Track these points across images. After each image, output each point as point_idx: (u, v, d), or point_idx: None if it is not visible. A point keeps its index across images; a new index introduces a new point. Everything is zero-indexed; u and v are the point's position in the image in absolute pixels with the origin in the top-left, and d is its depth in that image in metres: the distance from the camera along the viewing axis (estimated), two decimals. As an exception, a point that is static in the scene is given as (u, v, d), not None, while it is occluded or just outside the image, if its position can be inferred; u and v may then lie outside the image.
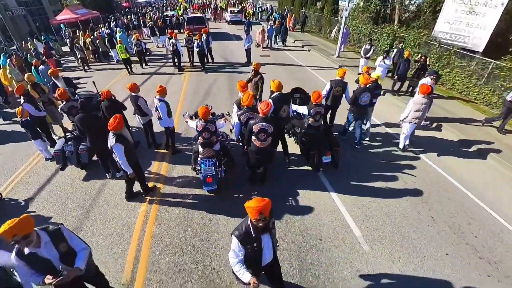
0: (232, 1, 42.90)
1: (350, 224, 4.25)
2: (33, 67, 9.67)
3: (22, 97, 5.90)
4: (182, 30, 20.73)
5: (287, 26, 18.17)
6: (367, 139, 6.41)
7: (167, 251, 3.87)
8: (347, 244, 3.94)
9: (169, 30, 19.53)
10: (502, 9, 8.50)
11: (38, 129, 5.84)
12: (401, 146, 6.02)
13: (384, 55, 8.78)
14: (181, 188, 5.08)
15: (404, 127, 5.77)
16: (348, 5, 12.35)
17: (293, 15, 22.74)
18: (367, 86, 5.58)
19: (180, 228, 4.23)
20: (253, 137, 4.25)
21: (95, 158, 5.65)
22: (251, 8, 28.71)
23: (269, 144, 4.33)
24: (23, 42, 14.30)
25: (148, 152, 6.11)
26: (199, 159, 4.60)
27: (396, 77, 8.75)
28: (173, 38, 11.39)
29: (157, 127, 6.15)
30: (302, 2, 23.20)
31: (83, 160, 5.43)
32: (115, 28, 17.78)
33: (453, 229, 4.19)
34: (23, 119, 5.41)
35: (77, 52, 12.51)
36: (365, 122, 6.26)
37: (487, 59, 8.44)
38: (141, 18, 24.68)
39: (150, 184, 5.06)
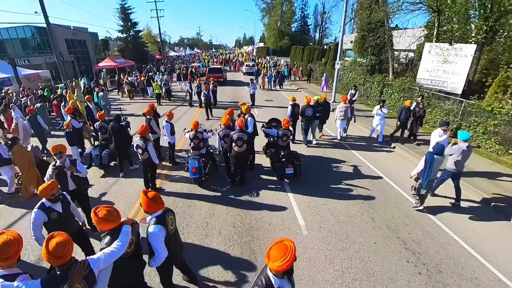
0: (252, 57, 49.03)
1: (298, 216, 5.48)
2: (95, 93, 13.86)
3: (69, 115, 8.14)
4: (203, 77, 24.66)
5: (294, 76, 24.92)
6: (314, 142, 9.37)
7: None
8: (290, 228, 5.15)
9: (189, 77, 23.30)
10: (471, 59, 10.24)
11: (76, 139, 7.89)
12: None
13: (381, 104, 9.23)
14: (172, 184, 6.67)
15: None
16: (338, 60, 14.89)
17: (300, 68, 26.11)
18: (309, 103, 8.79)
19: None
20: (233, 144, 5.96)
21: (112, 164, 7.59)
22: (265, 63, 32.94)
23: (244, 150, 6.02)
24: (68, 81, 17.88)
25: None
26: (188, 156, 6.52)
27: (398, 123, 9.24)
28: (188, 81, 14.63)
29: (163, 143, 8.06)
30: (309, 58, 26.75)
31: (103, 162, 7.28)
32: (157, 73, 24.30)
33: (389, 226, 5.22)
34: (67, 130, 7.49)
35: (125, 86, 18.37)
36: (311, 131, 9.25)
37: (460, 98, 9.91)
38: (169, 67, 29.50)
39: (158, 183, 6.71)
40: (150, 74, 22.61)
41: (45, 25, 14.92)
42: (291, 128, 7.09)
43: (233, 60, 43.68)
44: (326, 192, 6.40)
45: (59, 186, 3.66)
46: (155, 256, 2.93)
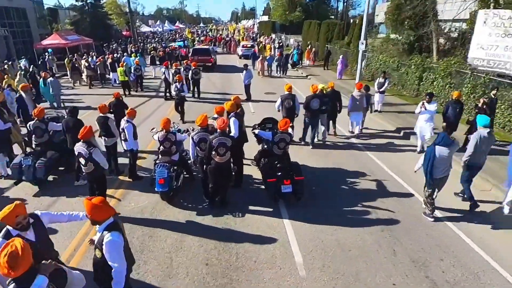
0: (251, 35, 49.70)
1: (294, 251, 5.53)
2: (41, 79, 14.79)
3: None
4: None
5: (307, 60, 25.64)
6: (320, 139, 10.20)
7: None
8: (282, 267, 5.19)
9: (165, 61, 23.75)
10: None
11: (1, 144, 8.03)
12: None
13: (427, 99, 9.02)
14: (130, 205, 6.80)
15: None
16: (364, 39, 15.05)
17: (313, 49, 26.42)
18: (316, 93, 9.20)
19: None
20: (213, 153, 6.06)
21: (50, 178, 7.76)
22: (267, 43, 33.31)
23: (228, 159, 6.15)
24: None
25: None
26: (155, 164, 6.72)
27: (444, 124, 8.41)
28: (165, 66, 15.02)
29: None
30: (327, 36, 27.05)
31: (38, 175, 7.37)
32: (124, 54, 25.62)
33: (415, 262, 5.27)
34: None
35: (85, 70, 19.43)
36: (319, 125, 9.92)
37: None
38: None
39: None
40: (116, 55, 23.61)
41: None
42: (291, 131, 7.18)
43: (227, 39, 44.28)
44: (334, 216, 6.48)
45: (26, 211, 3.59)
46: (114, 273, 3.21)
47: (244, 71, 15.35)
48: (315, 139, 10.10)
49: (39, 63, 22.51)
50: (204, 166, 6.44)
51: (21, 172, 7.39)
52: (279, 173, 6.66)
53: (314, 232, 6.04)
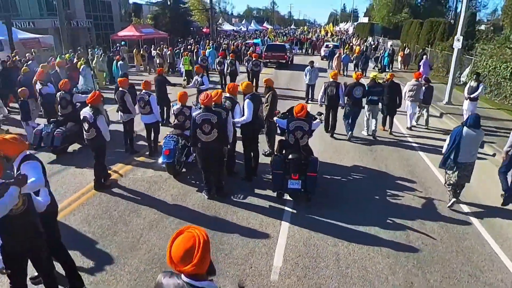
0: (340, 35, 49.45)
1: (276, 253, 5.32)
2: (115, 61, 18.47)
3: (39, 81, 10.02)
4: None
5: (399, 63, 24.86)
6: (364, 134, 10.53)
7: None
8: (254, 266, 5.04)
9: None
10: None
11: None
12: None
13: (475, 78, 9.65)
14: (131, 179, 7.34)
15: None
16: (460, 33, 13.82)
17: (408, 50, 25.03)
18: (358, 81, 9.71)
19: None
20: (198, 131, 6.22)
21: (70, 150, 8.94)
22: (357, 45, 32.66)
23: (215, 138, 6.19)
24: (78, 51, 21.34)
25: (120, 155, 8.73)
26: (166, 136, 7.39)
27: None
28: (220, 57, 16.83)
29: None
30: (429, 37, 25.43)
31: (55, 142, 8.45)
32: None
33: None
34: (20, 100, 8.95)
35: (157, 59, 22.53)
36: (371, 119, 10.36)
37: None
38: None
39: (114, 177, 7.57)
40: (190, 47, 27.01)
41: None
42: (318, 120, 7.10)
43: (314, 39, 44.75)
44: (348, 226, 6.03)
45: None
46: (31, 183, 3.29)
47: (308, 69, 14.79)
48: (365, 133, 10.54)
49: (112, 52, 25.52)
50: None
51: (41, 138, 8.55)
52: (288, 165, 6.46)
53: (312, 239, 5.71)
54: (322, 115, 8.06)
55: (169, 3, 41.14)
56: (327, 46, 30.72)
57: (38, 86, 10.04)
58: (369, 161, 8.81)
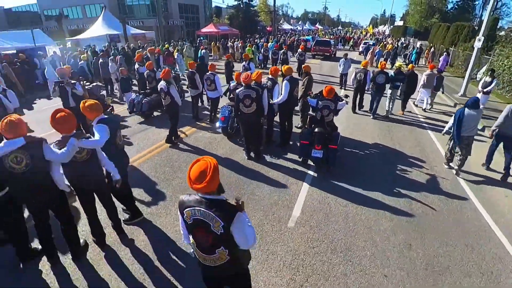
0: (377, 35, 45.46)
1: (296, 206, 4.94)
2: (200, 50, 17.54)
3: (137, 62, 10.29)
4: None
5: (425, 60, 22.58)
6: (385, 113, 9.72)
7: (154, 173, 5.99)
8: (276, 213, 4.73)
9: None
10: None
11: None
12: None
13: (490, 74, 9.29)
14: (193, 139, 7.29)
15: None
16: (482, 34, 11.84)
17: (432, 49, 22.43)
18: (383, 69, 9.11)
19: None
20: (240, 104, 5.87)
21: (154, 114, 9.10)
22: (390, 44, 29.82)
23: (254, 111, 5.83)
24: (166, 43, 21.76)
25: (188, 120, 8.72)
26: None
27: None
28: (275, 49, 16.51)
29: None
30: (453, 39, 22.40)
31: (143, 108, 8.61)
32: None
33: (429, 266, 3.85)
34: (124, 76, 9.18)
35: (230, 49, 22.86)
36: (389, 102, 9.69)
37: None
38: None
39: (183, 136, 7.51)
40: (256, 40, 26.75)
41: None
42: (343, 102, 6.39)
43: (355, 38, 41.89)
44: (360, 192, 5.44)
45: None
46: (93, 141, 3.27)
47: (342, 60, 13.37)
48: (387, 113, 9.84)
49: (197, 44, 25.72)
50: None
51: (134, 105, 8.75)
52: (313, 137, 5.95)
53: (327, 198, 5.23)
54: (348, 98, 7.27)
55: (242, 6, 40.25)
56: (364, 43, 28.54)
57: (136, 66, 10.27)
58: (385, 139, 7.90)
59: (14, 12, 44.32)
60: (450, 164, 6.43)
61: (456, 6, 46.68)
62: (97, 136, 3.28)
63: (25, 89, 11.55)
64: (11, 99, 5.45)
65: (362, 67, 9.57)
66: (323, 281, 3.56)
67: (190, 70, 8.47)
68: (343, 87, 13.32)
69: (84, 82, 8.03)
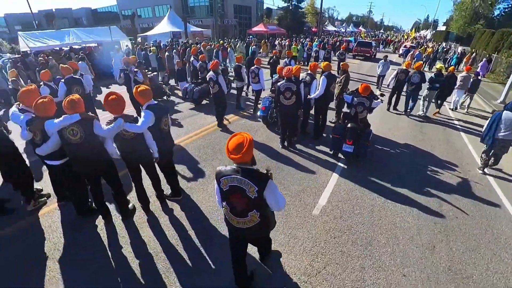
0: (418, 40, 41.36)
1: (323, 195, 4.64)
2: (251, 46, 17.29)
3: (193, 56, 10.35)
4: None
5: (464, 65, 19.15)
6: (421, 113, 8.75)
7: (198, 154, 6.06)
8: (302, 200, 4.49)
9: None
10: None
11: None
12: None
13: None
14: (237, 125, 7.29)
15: None
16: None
17: (474, 54, 19.77)
18: (419, 69, 8.23)
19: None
20: (281, 97, 5.63)
21: (204, 102, 9.18)
22: (431, 47, 26.89)
23: (293, 103, 5.56)
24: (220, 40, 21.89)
25: (232, 109, 8.66)
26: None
27: None
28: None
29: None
30: (497, 46, 19.48)
31: (194, 96, 8.75)
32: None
33: (450, 270, 3.38)
34: (179, 67, 9.35)
35: (277, 47, 22.22)
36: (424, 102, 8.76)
37: None
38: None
39: (226, 122, 7.49)
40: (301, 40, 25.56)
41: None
42: (379, 101, 5.81)
43: (396, 41, 38.49)
44: (388, 188, 4.93)
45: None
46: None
47: (382, 62, 11.82)
48: (421, 113, 8.84)
49: (247, 41, 25.60)
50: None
51: (187, 93, 8.92)
52: (345, 132, 5.51)
53: (354, 190, 4.84)
54: (384, 96, 6.58)
55: (291, 7, 38.99)
56: (405, 46, 26.09)
57: (191, 58, 10.39)
58: (418, 139, 7.09)
59: (99, 12, 48.03)
60: (485, 169, 5.65)
61: (503, 13, 40.33)
62: (140, 122, 3.30)
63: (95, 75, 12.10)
64: (86, 82, 5.82)
65: (403, 68, 8.70)
66: (340, 271, 3.29)
67: (236, 63, 8.35)
68: (378, 87, 12.12)
69: (146, 71, 8.32)
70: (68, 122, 2.94)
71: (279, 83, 5.65)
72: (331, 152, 5.93)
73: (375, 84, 12.50)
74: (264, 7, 41.97)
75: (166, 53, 11.82)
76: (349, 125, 5.55)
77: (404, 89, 8.75)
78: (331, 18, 79.34)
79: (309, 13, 46.44)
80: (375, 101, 5.78)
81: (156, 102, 3.61)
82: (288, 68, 5.51)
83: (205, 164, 5.50)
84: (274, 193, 2.17)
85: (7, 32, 39.67)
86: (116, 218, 3.93)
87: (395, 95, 9.12)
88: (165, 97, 9.60)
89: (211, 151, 6.04)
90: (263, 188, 2.11)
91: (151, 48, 13.63)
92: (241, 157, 2.06)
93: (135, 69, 6.70)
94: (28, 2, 26.66)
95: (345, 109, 6.45)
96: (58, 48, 14.24)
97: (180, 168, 5.19)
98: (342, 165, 5.63)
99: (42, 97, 3.08)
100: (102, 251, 3.44)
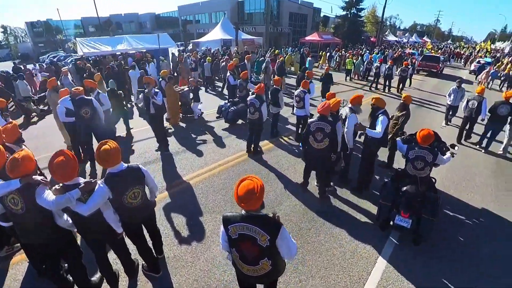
0: (494, 54, 35.13)
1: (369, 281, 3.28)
2: (307, 57, 16.14)
3: (229, 71, 9.46)
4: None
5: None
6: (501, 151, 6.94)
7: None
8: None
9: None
10: None
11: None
12: None
13: None
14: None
15: None
16: None
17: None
18: (508, 100, 6.53)
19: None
20: (310, 137, 4.38)
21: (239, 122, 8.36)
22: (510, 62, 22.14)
23: (326, 147, 4.31)
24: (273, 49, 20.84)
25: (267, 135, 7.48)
26: None
27: None
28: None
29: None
30: None
31: (228, 116, 7.94)
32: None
33: None
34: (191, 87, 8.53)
35: (337, 58, 20.27)
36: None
37: None
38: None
39: (264, 149, 6.46)
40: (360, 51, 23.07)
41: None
42: (448, 155, 4.15)
43: (466, 54, 33.17)
44: (465, 278, 3.31)
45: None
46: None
47: (454, 89, 8.29)
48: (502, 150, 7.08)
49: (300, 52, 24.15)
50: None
51: (221, 111, 8.15)
52: (401, 199, 3.93)
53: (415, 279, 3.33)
54: (456, 148, 4.57)
55: (349, 15, 36.34)
56: (478, 62, 21.88)
57: (228, 74, 9.50)
58: (503, 191, 5.21)
59: (162, 17, 50.87)
60: None
61: None
62: (86, 203, 2.40)
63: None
64: (103, 101, 5.25)
65: (476, 94, 7.16)
66: None
67: (274, 86, 7.18)
68: (446, 122, 9.11)
69: (199, 80, 8.04)
70: (6, 190, 2.26)
71: (310, 120, 4.42)
72: (378, 221, 4.25)
73: (443, 113, 9.53)
74: (321, 15, 39.86)
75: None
76: (405, 188, 3.99)
77: (483, 119, 7.10)
78: (392, 27, 72.93)
79: (369, 22, 42.89)
80: (442, 156, 4.13)
81: (126, 166, 2.67)
82: (325, 103, 4.25)
83: (208, 217, 4.43)
84: (287, 240, 1.99)
85: (82, 33, 44.69)
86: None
87: (466, 126, 7.47)
88: (198, 116, 8.85)
89: (222, 197, 4.89)
90: (275, 236, 1.94)
91: (207, 59, 13.25)
92: (252, 205, 1.92)
93: (156, 90, 5.86)
94: (95, 7, 29.47)
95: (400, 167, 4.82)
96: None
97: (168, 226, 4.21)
98: (394, 240, 4.07)
99: None
100: None
